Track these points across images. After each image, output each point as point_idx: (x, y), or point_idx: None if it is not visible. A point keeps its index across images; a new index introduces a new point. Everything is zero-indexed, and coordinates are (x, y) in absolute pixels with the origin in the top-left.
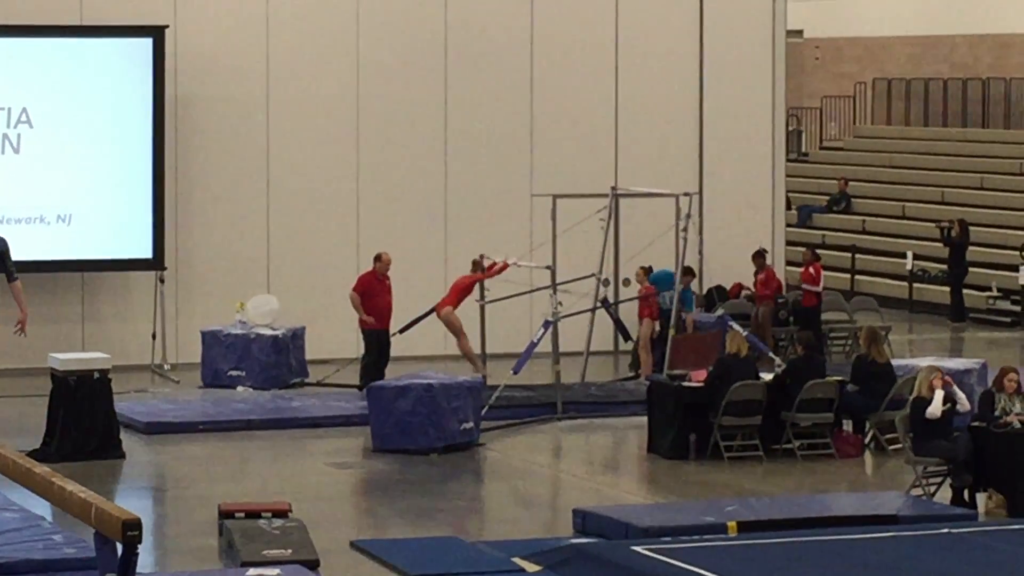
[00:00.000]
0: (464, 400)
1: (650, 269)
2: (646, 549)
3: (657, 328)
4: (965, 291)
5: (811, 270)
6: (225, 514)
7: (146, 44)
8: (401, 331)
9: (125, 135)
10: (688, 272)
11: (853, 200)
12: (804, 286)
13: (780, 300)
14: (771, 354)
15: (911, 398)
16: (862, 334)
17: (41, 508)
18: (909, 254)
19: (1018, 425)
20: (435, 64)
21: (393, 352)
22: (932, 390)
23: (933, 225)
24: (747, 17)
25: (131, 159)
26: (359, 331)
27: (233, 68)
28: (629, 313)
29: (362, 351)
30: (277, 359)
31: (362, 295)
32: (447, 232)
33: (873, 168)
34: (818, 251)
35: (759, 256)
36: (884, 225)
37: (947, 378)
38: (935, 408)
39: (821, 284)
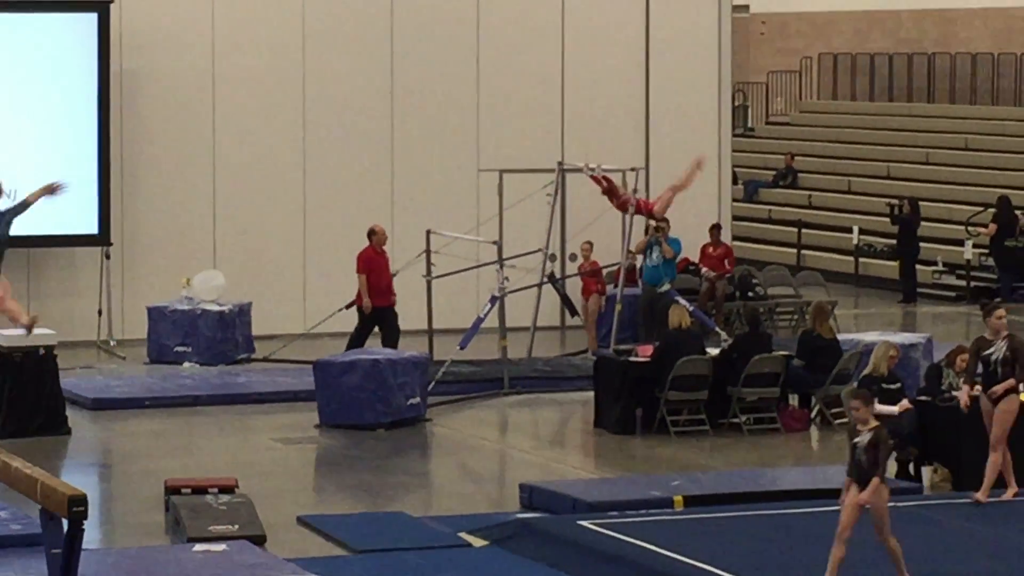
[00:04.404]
0: (411, 375)
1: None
2: (593, 524)
3: (603, 304)
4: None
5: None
6: (172, 490)
7: (91, 19)
8: (348, 307)
9: (70, 110)
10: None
11: (799, 175)
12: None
13: (728, 276)
14: (717, 328)
15: (863, 373)
16: (810, 309)
17: None
18: (855, 228)
19: None
20: (381, 39)
21: (339, 327)
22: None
23: (882, 201)
24: None
25: (76, 134)
26: (356, 310)
27: (178, 43)
28: (575, 289)
29: (309, 327)
30: (223, 335)
31: (368, 274)
32: (394, 207)
33: (819, 143)
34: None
35: (716, 229)
36: (830, 200)
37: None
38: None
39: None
